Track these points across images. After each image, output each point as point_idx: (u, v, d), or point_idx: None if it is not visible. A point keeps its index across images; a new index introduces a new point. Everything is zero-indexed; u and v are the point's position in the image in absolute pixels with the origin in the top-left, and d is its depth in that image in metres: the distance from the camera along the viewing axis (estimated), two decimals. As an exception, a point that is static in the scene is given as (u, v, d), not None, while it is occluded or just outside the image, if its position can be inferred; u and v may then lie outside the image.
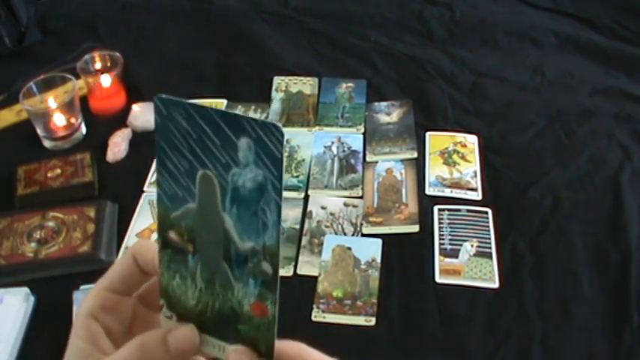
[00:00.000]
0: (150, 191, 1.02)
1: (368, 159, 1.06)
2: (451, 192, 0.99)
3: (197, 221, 0.36)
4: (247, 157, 0.33)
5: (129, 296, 0.40)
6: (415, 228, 0.94)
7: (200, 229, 0.36)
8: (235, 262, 0.36)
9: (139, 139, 1.11)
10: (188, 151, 0.34)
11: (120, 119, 1.14)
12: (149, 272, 0.39)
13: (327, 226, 0.96)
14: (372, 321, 0.83)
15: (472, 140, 1.07)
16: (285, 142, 0.32)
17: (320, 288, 0.87)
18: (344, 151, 1.07)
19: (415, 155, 1.05)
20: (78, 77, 1.14)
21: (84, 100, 1.16)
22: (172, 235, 0.37)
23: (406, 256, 0.91)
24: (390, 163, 1.04)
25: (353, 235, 0.94)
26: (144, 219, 0.98)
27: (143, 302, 0.41)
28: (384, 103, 1.16)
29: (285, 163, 0.34)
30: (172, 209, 0.36)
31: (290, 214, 0.97)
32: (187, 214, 0.36)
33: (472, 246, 0.91)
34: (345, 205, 0.99)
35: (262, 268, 0.35)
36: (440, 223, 0.95)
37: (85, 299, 0.39)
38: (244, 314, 0.36)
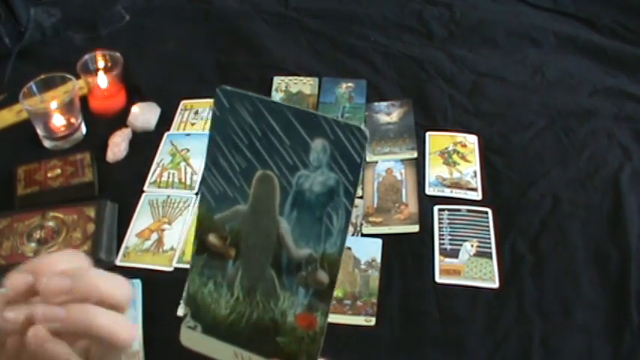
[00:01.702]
0: (150, 191, 1.02)
1: (368, 159, 1.06)
2: (451, 192, 0.99)
3: (246, 224, 0.34)
4: (320, 160, 0.31)
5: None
6: (415, 228, 0.94)
7: (248, 233, 0.34)
8: (285, 270, 0.34)
9: (139, 139, 1.12)
10: (248, 148, 0.32)
11: (120, 119, 1.14)
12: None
13: (327, 226, 0.95)
14: (372, 321, 0.83)
15: (472, 140, 1.07)
16: (367, 146, 0.30)
17: (320, 288, 0.87)
18: (344, 151, 1.07)
19: (415, 155, 1.05)
20: (78, 77, 1.14)
21: (84, 100, 1.16)
22: (212, 238, 0.35)
23: (406, 256, 0.91)
24: (390, 163, 1.04)
25: (353, 235, 0.94)
26: (144, 219, 0.98)
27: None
28: (384, 103, 1.16)
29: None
30: (217, 210, 0.34)
31: (290, 214, 0.97)
32: (235, 216, 0.34)
33: (472, 246, 0.91)
34: (345, 205, 0.99)
35: (317, 277, 0.33)
36: (440, 223, 0.95)
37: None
38: (287, 325, 0.34)
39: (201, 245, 0.35)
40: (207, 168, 0.34)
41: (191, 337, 0.36)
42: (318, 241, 0.32)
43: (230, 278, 0.35)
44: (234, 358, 0.36)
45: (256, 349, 0.35)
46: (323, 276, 0.33)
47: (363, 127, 0.30)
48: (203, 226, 0.35)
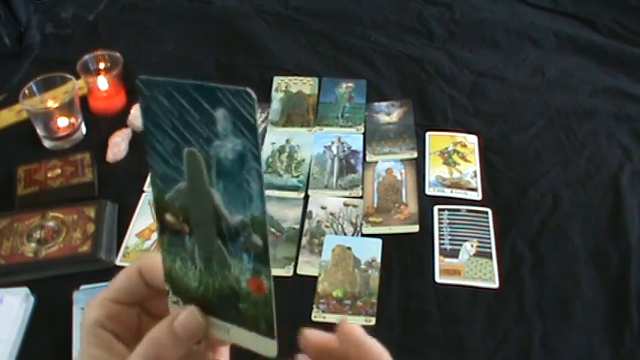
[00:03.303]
0: (150, 191, 1.02)
1: (368, 159, 1.06)
2: (451, 192, 0.99)
3: (188, 200, 0.36)
4: (226, 128, 0.33)
5: (134, 306, 0.41)
6: (415, 228, 0.94)
7: (192, 208, 0.36)
8: (228, 238, 0.35)
9: (139, 139, 1.11)
10: (172, 129, 0.34)
11: (120, 119, 1.14)
12: (154, 285, 0.40)
13: (327, 226, 0.96)
14: (372, 321, 0.83)
15: (472, 140, 1.07)
16: (257, 107, 0.32)
17: (320, 288, 0.87)
18: (344, 151, 1.07)
19: (415, 155, 1.05)
20: (78, 77, 1.14)
21: (84, 100, 1.16)
22: (168, 217, 0.37)
23: (406, 256, 0.91)
24: (390, 163, 1.04)
25: (353, 235, 0.94)
26: (144, 219, 0.98)
27: (146, 312, 0.41)
28: (384, 103, 1.16)
29: (260, 130, 0.34)
30: (165, 190, 0.36)
31: (290, 214, 0.97)
32: (179, 194, 0.36)
33: (472, 246, 0.91)
34: (345, 205, 0.99)
35: (253, 241, 0.34)
36: (440, 223, 0.95)
37: (89, 309, 0.39)
38: (242, 292, 0.36)
39: (162, 225, 0.37)
40: (148, 153, 0.37)
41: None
42: (244, 206, 0.34)
43: (190, 252, 0.37)
44: (214, 328, 0.38)
45: (226, 318, 0.37)
46: (257, 239, 0.34)
47: (248, 89, 0.32)
48: (160, 207, 0.37)
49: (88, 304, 0.40)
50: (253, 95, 0.31)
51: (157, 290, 0.40)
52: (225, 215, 0.35)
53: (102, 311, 0.39)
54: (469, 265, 0.89)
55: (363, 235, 0.94)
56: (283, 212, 0.97)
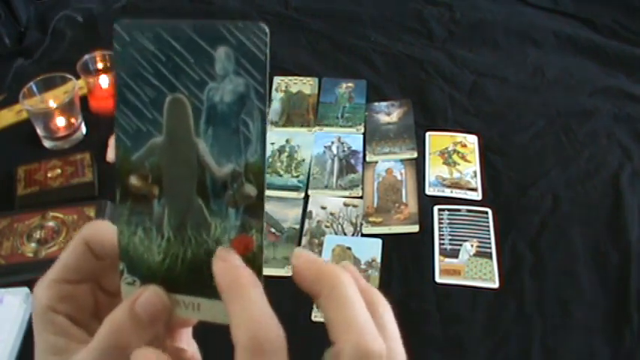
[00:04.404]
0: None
1: (368, 159, 1.06)
2: (451, 192, 0.99)
3: (164, 155, 0.33)
4: (226, 68, 0.31)
5: (85, 283, 0.37)
6: (415, 228, 0.94)
7: (168, 164, 0.33)
8: (212, 194, 0.33)
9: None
10: (154, 76, 0.32)
11: (120, 119, 1.14)
12: (104, 256, 0.36)
13: (327, 226, 0.96)
14: (372, 321, 0.83)
15: (472, 140, 1.07)
16: (269, 43, 0.31)
17: (320, 288, 0.87)
18: (344, 151, 1.07)
19: (415, 155, 1.05)
20: (78, 77, 1.14)
21: (84, 100, 1.16)
22: (134, 180, 0.34)
23: (406, 256, 0.91)
24: (390, 163, 1.04)
25: (353, 235, 0.94)
26: (144, 219, 0.97)
27: (101, 289, 0.38)
28: (384, 103, 1.16)
29: (268, 69, 0.32)
30: (134, 149, 0.33)
31: (290, 214, 0.97)
32: (153, 151, 0.33)
33: (472, 246, 0.91)
34: (345, 205, 0.99)
35: (245, 192, 0.32)
36: (440, 223, 0.95)
37: (38, 293, 0.35)
38: None
39: (123, 191, 0.34)
40: (117, 108, 0.33)
41: (132, 294, 0.34)
42: (239, 152, 0.32)
43: (158, 219, 0.34)
44: (179, 307, 0.34)
45: (197, 292, 0.33)
46: (250, 189, 0.32)
47: (261, 24, 0.30)
48: (123, 170, 0.34)
49: (36, 287, 0.36)
50: (267, 29, 0.30)
51: (109, 263, 0.36)
52: (212, 167, 0.32)
53: (52, 293, 0.35)
54: (469, 265, 0.89)
55: (363, 235, 0.94)
56: (283, 212, 0.97)
